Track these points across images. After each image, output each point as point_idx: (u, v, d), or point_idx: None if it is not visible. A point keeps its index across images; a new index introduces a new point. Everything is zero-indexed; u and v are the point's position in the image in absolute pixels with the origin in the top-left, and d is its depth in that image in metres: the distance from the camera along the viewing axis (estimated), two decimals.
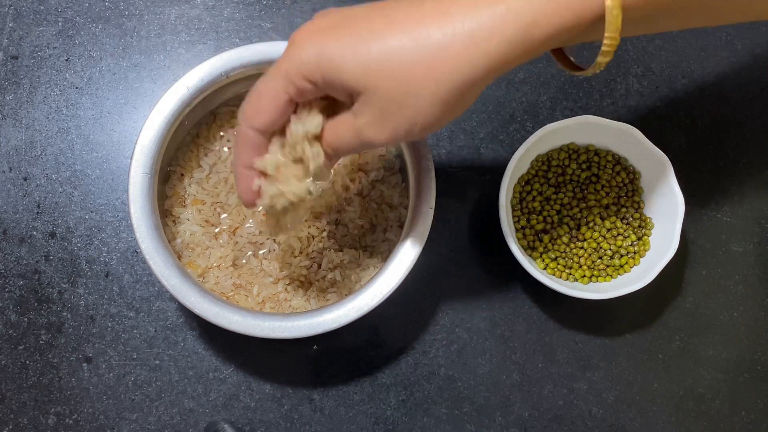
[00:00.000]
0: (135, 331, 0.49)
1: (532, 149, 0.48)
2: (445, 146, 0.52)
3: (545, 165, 0.50)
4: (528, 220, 0.49)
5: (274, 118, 0.33)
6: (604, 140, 0.49)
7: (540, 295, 0.50)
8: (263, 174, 0.35)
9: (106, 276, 0.49)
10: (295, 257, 0.46)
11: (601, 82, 0.53)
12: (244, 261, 0.46)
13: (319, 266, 0.46)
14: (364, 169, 0.47)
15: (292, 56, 0.31)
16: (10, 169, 0.50)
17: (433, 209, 0.42)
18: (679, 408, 0.50)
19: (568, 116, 0.50)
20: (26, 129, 0.51)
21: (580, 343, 0.50)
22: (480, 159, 0.52)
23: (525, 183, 0.50)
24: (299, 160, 0.35)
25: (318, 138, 0.34)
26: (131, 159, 0.42)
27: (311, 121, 0.33)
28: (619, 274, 0.49)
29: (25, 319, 0.49)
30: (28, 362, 0.48)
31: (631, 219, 0.49)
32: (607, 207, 0.49)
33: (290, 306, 0.46)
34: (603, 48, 0.30)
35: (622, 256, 0.49)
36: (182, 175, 0.47)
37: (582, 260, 0.48)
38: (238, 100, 0.45)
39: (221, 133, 0.47)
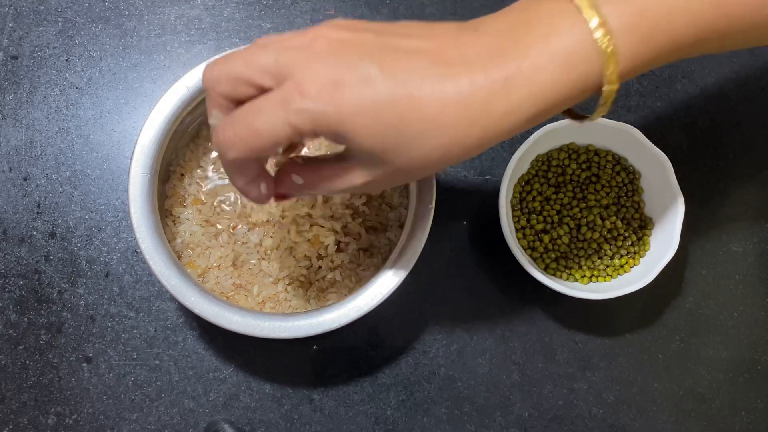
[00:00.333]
0: (135, 331, 0.49)
1: (532, 149, 0.48)
2: None
3: (545, 165, 0.50)
4: (528, 220, 0.49)
5: (269, 155, 0.32)
6: (604, 140, 0.49)
7: (540, 295, 0.50)
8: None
9: (106, 276, 0.49)
10: (295, 257, 0.46)
11: None
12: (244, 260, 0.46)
13: (319, 266, 0.46)
14: None
15: (304, 110, 0.28)
16: (10, 169, 0.50)
17: (433, 209, 0.42)
18: (679, 408, 0.50)
19: None
20: (26, 129, 0.51)
21: (580, 343, 0.50)
22: (480, 159, 0.52)
23: (525, 183, 0.50)
24: None
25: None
26: (131, 159, 0.42)
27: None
28: (619, 274, 0.49)
29: (25, 319, 0.49)
30: (28, 362, 0.48)
31: (631, 219, 0.49)
32: (607, 207, 0.49)
33: (290, 306, 0.46)
34: (600, 102, 0.31)
35: (622, 256, 0.49)
36: (182, 175, 0.47)
37: (582, 260, 0.48)
38: None
39: None
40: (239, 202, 0.46)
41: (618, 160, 0.50)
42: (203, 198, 0.46)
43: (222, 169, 0.47)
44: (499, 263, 0.51)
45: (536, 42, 0.28)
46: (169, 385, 0.48)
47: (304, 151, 0.47)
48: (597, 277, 0.49)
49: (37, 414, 0.48)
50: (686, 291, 0.52)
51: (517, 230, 0.49)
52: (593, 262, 0.49)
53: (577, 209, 0.49)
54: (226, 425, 0.46)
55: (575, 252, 0.49)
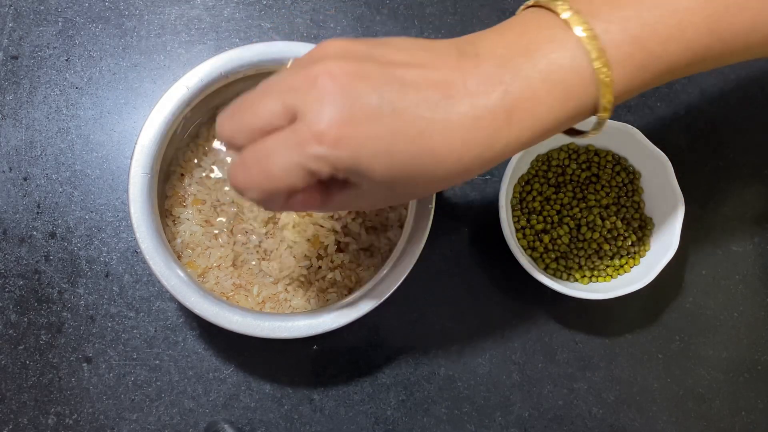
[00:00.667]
0: (135, 331, 0.49)
1: (532, 149, 0.48)
2: None
3: (545, 165, 0.50)
4: (528, 220, 0.49)
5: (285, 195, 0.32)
6: (604, 140, 0.49)
7: (540, 295, 0.50)
8: None
9: (106, 276, 0.49)
10: (295, 257, 0.46)
11: None
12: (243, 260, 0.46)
13: (319, 266, 0.46)
14: None
15: (321, 157, 0.28)
16: (10, 169, 0.50)
17: (433, 209, 0.42)
18: (679, 408, 0.50)
19: None
20: (26, 129, 0.51)
21: (580, 343, 0.50)
22: None
23: (525, 183, 0.50)
24: None
25: None
26: (131, 159, 0.42)
27: None
28: (619, 274, 0.49)
29: (25, 319, 0.49)
30: (28, 362, 0.48)
31: (631, 219, 0.49)
32: (607, 207, 0.49)
33: (290, 306, 0.46)
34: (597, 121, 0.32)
35: (622, 256, 0.49)
36: (182, 175, 0.47)
37: (582, 260, 0.48)
38: None
39: None
40: (239, 202, 0.47)
41: (618, 160, 0.50)
42: (209, 187, 0.46)
43: (225, 168, 0.47)
44: (499, 263, 0.51)
45: (535, 74, 0.29)
46: (169, 385, 0.48)
47: None
48: (597, 277, 0.49)
49: (37, 414, 0.48)
50: (686, 291, 0.52)
51: (517, 230, 0.49)
52: (593, 262, 0.49)
53: (577, 209, 0.49)
54: (226, 425, 0.46)
55: (575, 252, 0.49)
